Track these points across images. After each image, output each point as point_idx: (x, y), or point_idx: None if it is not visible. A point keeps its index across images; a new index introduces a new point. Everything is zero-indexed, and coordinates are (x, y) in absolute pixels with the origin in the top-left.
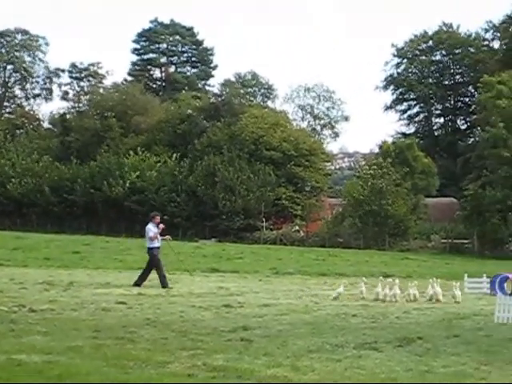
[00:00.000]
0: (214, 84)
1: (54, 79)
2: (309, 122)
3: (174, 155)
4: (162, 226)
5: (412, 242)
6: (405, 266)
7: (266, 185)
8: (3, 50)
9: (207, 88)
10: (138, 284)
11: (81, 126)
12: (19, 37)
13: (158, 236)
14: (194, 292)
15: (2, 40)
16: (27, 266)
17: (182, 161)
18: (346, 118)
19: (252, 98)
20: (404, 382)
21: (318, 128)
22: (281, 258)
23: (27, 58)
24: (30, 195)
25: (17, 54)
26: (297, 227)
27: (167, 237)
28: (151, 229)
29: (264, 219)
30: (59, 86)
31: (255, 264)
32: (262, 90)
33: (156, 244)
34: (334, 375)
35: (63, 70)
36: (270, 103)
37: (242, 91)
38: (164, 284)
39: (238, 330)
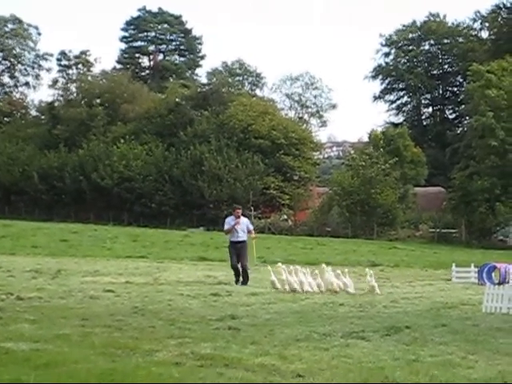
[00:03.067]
0: (202, 73)
1: (42, 62)
2: (296, 110)
3: (161, 144)
4: (238, 220)
5: (400, 231)
6: (393, 255)
7: (254, 174)
8: None
9: (195, 77)
10: (244, 283)
11: (68, 114)
12: (10, 25)
13: (238, 231)
14: (182, 280)
15: None
16: (15, 254)
17: (168, 150)
18: (334, 106)
19: (240, 87)
20: (391, 370)
21: (306, 117)
22: (269, 247)
23: (17, 47)
24: (19, 183)
25: (7, 41)
26: (285, 216)
27: (252, 235)
28: (227, 221)
29: (252, 208)
30: (48, 70)
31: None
32: (251, 79)
33: (232, 238)
34: (321, 364)
35: (51, 55)
36: (258, 91)
37: (229, 80)
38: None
39: (226, 318)
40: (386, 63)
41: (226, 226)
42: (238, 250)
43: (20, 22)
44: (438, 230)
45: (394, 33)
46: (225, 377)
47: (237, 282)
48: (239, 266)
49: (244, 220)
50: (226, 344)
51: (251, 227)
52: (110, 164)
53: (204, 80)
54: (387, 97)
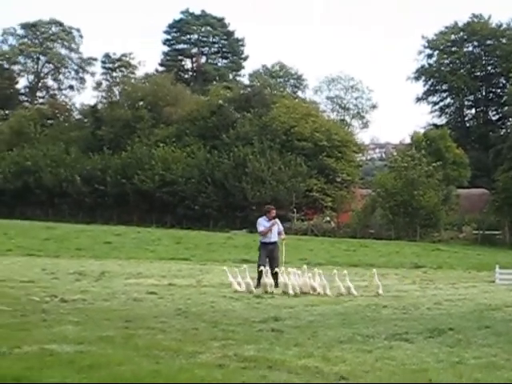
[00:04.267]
0: (245, 75)
1: (87, 68)
2: (338, 112)
3: (203, 147)
4: (273, 221)
5: (443, 233)
6: (436, 257)
7: (297, 176)
8: (37, 41)
9: (238, 79)
10: (276, 285)
11: (112, 116)
12: (53, 28)
13: (274, 232)
14: (225, 282)
15: (36, 31)
16: (59, 257)
17: (210, 152)
18: (374, 106)
19: (282, 89)
20: (435, 373)
21: (348, 119)
22: (312, 249)
23: (61, 50)
24: (62, 185)
25: (50, 45)
26: (328, 218)
27: (282, 236)
28: (260, 222)
29: (295, 210)
30: (92, 74)
31: (286, 254)
32: (292, 81)
33: (264, 239)
34: (364, 366)
35: (95, 59)
36: (300, 93)
37: (271, 82)
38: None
39: (269, 320)
40: (429, 64)
41: (261, 228)
42: (269, 252)
43: (61, 25)
44: (481, 232)
45: (436, 35)
46: (268, 379)
47: (257, 286)
48: (271, 270)
49: (277, 221)
50: (270, 346)
51: (281, 228)
52: (151, 168)
53: (246, 82)
54: (430, 98)
